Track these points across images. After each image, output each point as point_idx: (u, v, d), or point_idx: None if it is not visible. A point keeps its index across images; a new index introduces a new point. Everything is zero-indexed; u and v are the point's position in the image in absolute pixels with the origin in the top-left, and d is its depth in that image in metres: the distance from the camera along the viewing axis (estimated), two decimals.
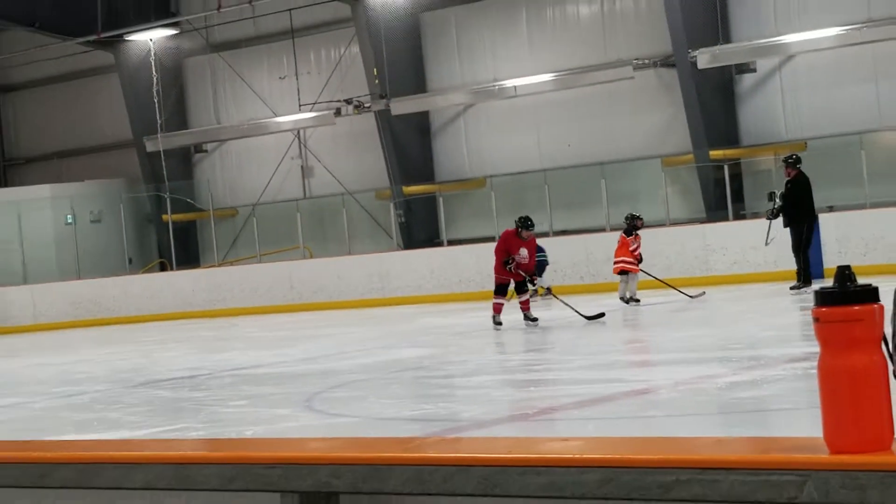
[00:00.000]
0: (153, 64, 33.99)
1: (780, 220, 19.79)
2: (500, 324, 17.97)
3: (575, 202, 27.85)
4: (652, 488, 2.19)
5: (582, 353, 15.52)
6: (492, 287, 18.36)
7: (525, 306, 18.15)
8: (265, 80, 33.44)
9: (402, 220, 30.72)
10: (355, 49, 31.04)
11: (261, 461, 2.65)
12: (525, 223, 18.18)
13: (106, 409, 13.29)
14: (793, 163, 20.02)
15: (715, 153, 26.34)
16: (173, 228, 34.04)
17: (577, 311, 18.06)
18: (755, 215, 20.49)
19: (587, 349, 15.90)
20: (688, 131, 26.74)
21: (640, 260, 20.30)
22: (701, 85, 26.35)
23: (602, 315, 18.16)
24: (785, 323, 16.93)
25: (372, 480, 2.49)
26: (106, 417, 12.56)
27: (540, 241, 20.82)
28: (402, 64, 30.36)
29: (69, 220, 34.44)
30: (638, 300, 20.12)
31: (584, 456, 2.33)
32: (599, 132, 28.45)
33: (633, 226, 20.52)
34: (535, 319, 18.03)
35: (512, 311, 18.39)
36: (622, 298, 20.12)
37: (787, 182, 19.92)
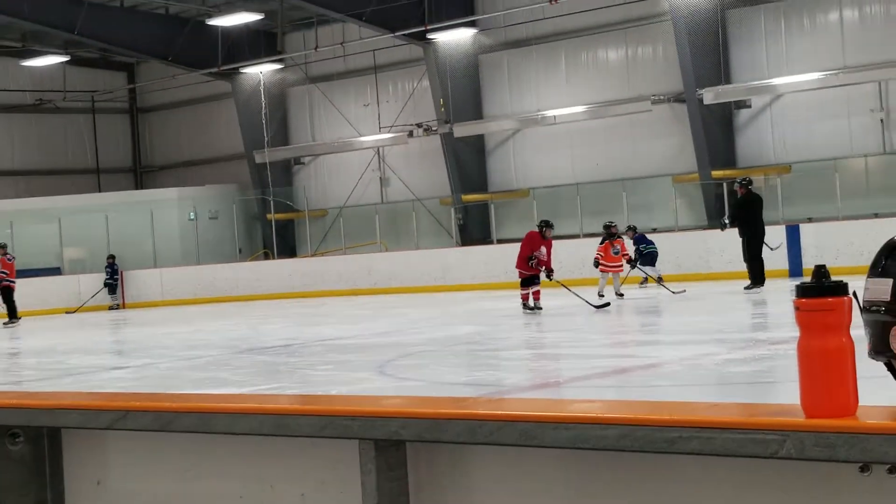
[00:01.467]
0: (262, 92, 34.20)
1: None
2: (533, 308, 17.86)
3: (601, 210, 27.72)
4: (660, 443, 2.18)
5: (603, 333, 15.48)
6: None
7: (536, 296, 18.01)
8: (352, 107, 33.56)
9: (461, 222, 30.75)
10: (425, 83, 31.09)
11: (343, 414, 2.66)
12: (548, 224, 18.12)
13: (218, 370, 13.37)
14: (745, 184, 19.96)
15: (716, 173, 26.22)
16: (275, 225, 34.26)
17: (586, 301, 17.93)
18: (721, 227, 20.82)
19: (608, 330, 15.86)
20: (694, 155, 26.64)
21: (630, 260, 19.80)
22: (706, 117, 26.25)
23: (608, 304, 18.01)
24: (770, 312, 16.81)
25: (432, 432, 2.50)
26: (217, 377, 12.63)
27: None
28: (463, 96, 30.39)
29: (191, 217, 34.69)
30: (622, 294, 19.63)
31: (606, 415, 2.32)
32: (622, 154, 28.38)
33: (609, 233, 19.93)
34: (540, 308, 17.94)
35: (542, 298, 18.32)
36: (617, 294, 19.64)
37: (738, 200, 19.92)
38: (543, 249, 17.83)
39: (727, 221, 20.47)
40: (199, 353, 15.76)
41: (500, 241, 29.17)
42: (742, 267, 20.41)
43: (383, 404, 2.71)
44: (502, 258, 26.21)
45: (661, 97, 27.14)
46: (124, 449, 3.17)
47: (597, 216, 27.38)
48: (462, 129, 30.01)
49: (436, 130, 30.58)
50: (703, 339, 13.22)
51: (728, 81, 26.39)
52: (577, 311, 17.94)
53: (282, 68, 34.28)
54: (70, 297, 30.90)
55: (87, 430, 3.17)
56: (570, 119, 28.74)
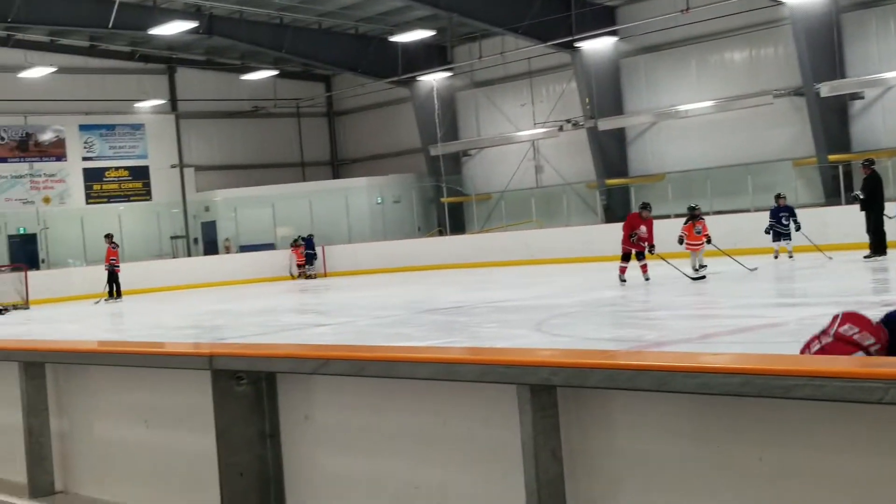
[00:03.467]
0: (435, 96, 34.47)
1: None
2: (624, 281, 17.62)
3: (728, 192, 27.14)
4: (776, 389, 2.15)
5: (730, 297, 15.14)
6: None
7: (644, 269, 17.70)
8: (510, 107, 33.54)
9: (605, 202, 30.45)
10: (573, 85, 30.85)
11: (504, 363, 2.69)
12: (645, 206, 17.85)
13: (402, 326, 13.61)
14: (869, 164, 19.12)
15: (832, 157, 25.32)
16: (448, 207, 34.57)
17: (684, 273, 17.50)
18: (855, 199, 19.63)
19: (734, 294, 15.49)
20: (812, 141, 25.76)
21: (709, 239, 18.04)
22: (823, 108, 25.35)
23: (704, 277, 17.49)
24: (883, 278, 16.19)
25: (578, 378, 2.51)
26: (402, 332, 12.87)
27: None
28: (605, 95, 30.06)
29: (378, 201, 35.31)
30: (705, 266, 18.07)
31: (729, 366, 2.30)
32: (747, 142, 27.64)
33: (693, 214, 18.38)
34: (648, 279, 17.63)
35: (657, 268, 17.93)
36: (693, 267, 18.15)
37: (865, 178, 19.02)
38: (643, 228, 17.57)
39: (860, 194, 19.23)
40: (387, 312, 16.07)
41: None
42: (858, 238, 19.66)
43: (537, 355, 2.74)
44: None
45: (782, 91, 26.32)
46: (326, 390, 3.29)
47: (724, 196, 26.85)
48: (605, 123, 29.69)
49: (582, 125, 30.35)
50: (821, 302, 12.83)
51: (843, 76, 25.40)
52: (708, 278, 17.59)
53: (451, 76, 34.46)
54: (282, 268, 31.82)
55: (297, 374, 3.31)
56: (700, 112, 28.13)
